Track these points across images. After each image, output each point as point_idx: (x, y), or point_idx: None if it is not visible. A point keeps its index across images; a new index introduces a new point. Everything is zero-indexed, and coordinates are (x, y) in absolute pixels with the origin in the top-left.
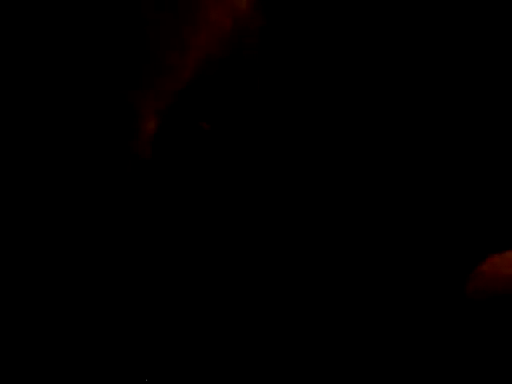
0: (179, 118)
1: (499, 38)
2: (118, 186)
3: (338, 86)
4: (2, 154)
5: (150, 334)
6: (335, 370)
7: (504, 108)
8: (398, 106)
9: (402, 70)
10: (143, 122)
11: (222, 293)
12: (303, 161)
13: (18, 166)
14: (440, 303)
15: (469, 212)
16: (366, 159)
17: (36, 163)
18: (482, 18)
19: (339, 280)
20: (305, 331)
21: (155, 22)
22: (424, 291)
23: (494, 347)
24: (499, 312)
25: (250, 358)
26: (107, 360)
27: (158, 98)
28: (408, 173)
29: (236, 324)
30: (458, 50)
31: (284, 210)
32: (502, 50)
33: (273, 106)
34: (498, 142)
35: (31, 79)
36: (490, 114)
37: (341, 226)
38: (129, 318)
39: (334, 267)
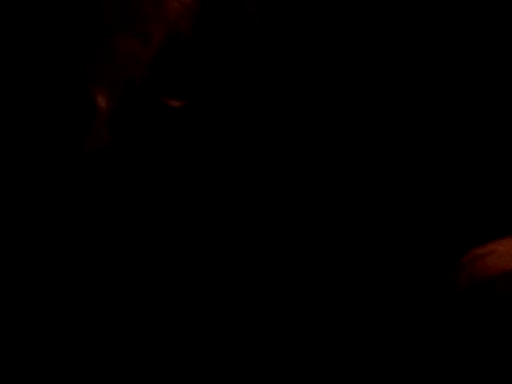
0: (142, 95)
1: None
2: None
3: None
4: None
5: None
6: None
7: (503, 108)
8: (394, 105)
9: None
10: (95, 100)
11: (217, 292)
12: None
13: None
14: (424, 294)
15: (449, 209)
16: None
17: None
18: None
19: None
20: (301, 327)
21: None
22: (409, 283)
23: (482, 334)
24: (492, 299)
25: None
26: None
27: (110, 69)
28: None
29: (236, 324)
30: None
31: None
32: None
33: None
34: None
35: None
36: (490, 113)
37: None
38: (128, 317)
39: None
